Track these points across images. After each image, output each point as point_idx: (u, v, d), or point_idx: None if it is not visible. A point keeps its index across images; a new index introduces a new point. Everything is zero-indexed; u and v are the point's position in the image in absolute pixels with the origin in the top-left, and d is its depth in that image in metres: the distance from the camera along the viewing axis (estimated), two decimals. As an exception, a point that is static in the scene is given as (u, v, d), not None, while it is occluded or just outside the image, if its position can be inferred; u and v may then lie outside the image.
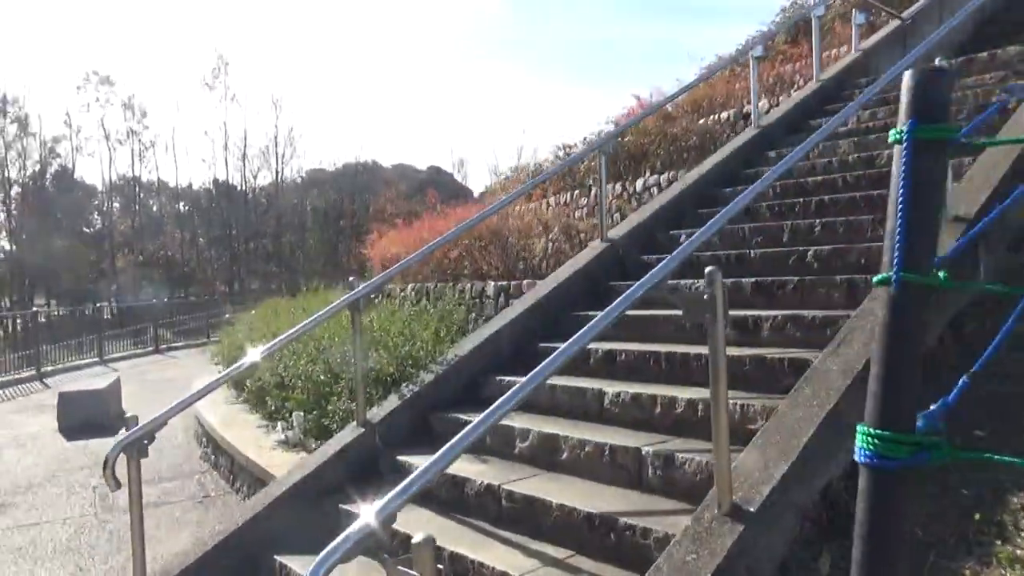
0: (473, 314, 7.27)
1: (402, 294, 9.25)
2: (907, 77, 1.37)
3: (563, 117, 63.35)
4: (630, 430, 3.77)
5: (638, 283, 2.89)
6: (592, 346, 4.63)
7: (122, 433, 3.62)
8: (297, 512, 4.11)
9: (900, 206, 1.30)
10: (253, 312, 14.96)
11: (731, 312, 4.30)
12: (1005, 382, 3.33)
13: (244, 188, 45.80)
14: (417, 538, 1.91)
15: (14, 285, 36.60)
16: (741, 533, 2.52)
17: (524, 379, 2.48)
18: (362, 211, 48.04)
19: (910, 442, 1.27)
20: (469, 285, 7.63)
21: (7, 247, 38.03)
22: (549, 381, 4.39)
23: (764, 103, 9.47)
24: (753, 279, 4.61)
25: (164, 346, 21.37)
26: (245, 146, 45.60)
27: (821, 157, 6.25)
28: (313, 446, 5.80)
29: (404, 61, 72.92)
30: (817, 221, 5.01)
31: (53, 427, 9.78)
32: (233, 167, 46.71)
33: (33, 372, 16.15)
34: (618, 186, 9.17)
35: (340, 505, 4.02)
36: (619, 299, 2.81)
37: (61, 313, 31.28)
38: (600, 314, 2.77)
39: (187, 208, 45.69)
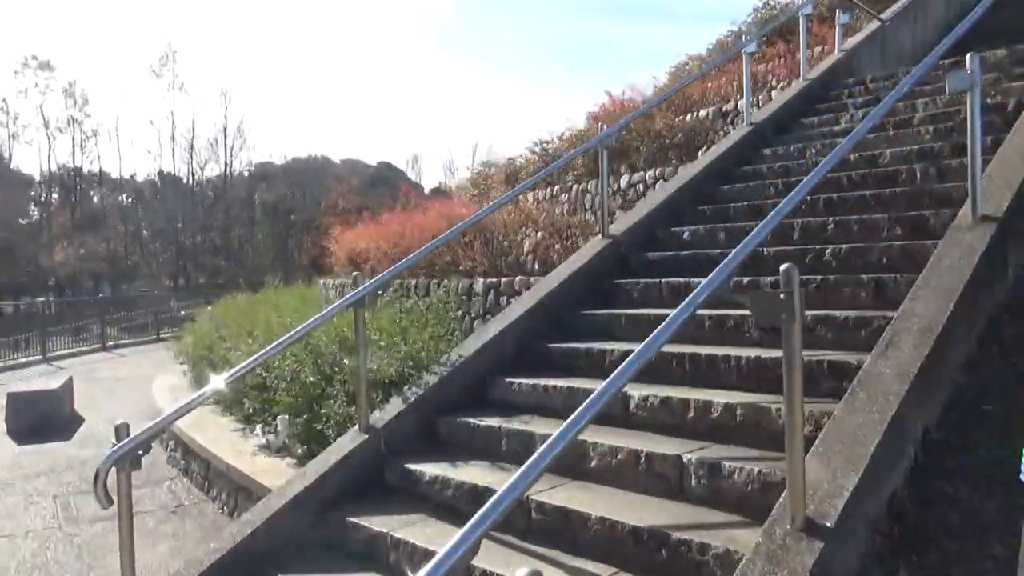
0: (460, 311, 7.03)
1: (380, 290, 8.92)
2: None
3: (520, 115, 63.17)
4: (661, 436, 3.59)
5: (705, 282, 2.70)
6: (606, 347, 4.45)
7: (107, 445, 3.25)
8: (300, 526, 3.81)
9: None
10: (210, 308, 14.40)
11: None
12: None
13: (191, 181, 44.49)
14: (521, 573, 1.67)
15: (-56, 278, 34.74)
16: (821, 551, 2.35)
17: (599, 387, 2.26)
18: (313, 206, 47.14)
19: None
20: (456, 282, 7.37)
21: (-64, 238, 36.09)
22: (567, 383, 4.23)
23: (743, 102, 9.45)
24: (771, 278, 4.46)
25: (111, 343, 20.45)
26: (193, 137, 44.36)
27: (821, 156, 6.16)
28: (299, 451, 5.50)
29: (355, 56, 71.90)
30: (830, 219, 4.91)
31: (0, 430, 9.17)
32: (180, 159, 45.36)
33: (-30, 371, 15.26)
34: (590, 184, 9.00)
35: (348, 518, 3.74)
36: (689, 297, 2.62)
37: (-3, 308, 29.76)
38: (672, 313, 2.56)
39: (131, 200, 44.11)
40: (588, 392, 4.02)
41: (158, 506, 6.01)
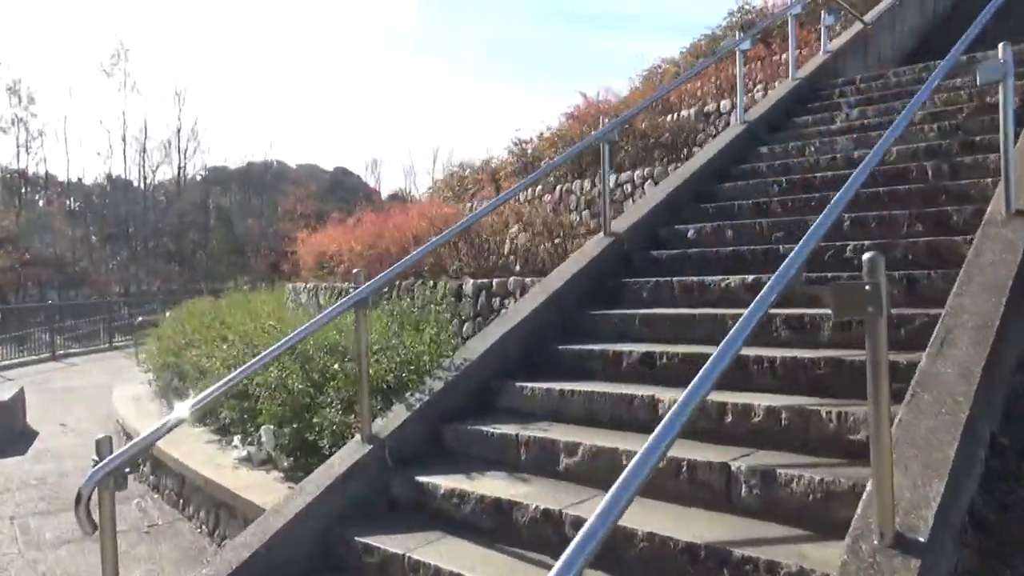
0: (448, 313, 6.72)
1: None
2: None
3: (480, 120, 62.87)
4: (696, 442, 3.34)
5: (774, 278, 2.49)
6: (622, 348, 4.21)
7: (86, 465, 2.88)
8: (303, 547, 3.48)
9: None
10: (169, 314, 13.80)
11: (783, 310, 4.00)
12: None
13: (143, 184, 43.16)
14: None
15: None
16: (919, 569, 2.13)
17: (681, 399, 2.00)
18: (270, 211, 46.18)
19: None
20: (443, 283, 7.06)
21: None
22: (585, 387, 3.97)
23: (726, 103, 9.36)
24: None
25: (61, 352, 19.52)
26: (145, 138, 42.72)
27: (821, 154, 6.05)
28: (285, 463, 5.14)
29: (312, 60, 70.84)
30: (845, 216, 4.74)
31: (-56, 446, 8.53)
32: (131, 161, 43.70)
33: (-92, 382, 14.31)
34: (587, 183, 8.80)
35: (356, 538, 3.41)
36: (762, 293, 2.40)
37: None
38: (747, 311, 2.33)
39: (79, 204, 42.58)
40: (607, 397, 3.82)
41: (129, 526, 5.55)
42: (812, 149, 6.21)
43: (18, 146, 40.06)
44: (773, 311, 3.97)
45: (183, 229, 43.70)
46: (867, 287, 2.23)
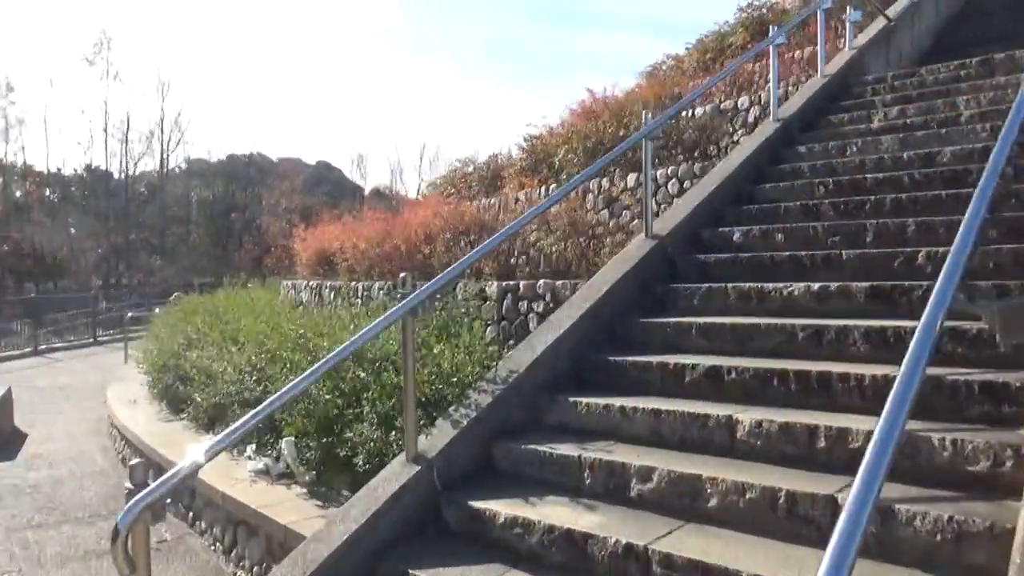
0: (469, 317, 6.40)
1: (366, 293, 8.23)
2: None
3: (466, 117, 62.25)
4: (785, 468, 3.08)
5: (934, 296, 2.18)
6: (684, 360, 3.93)
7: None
8: (352, 581, 3.16)
9: None
10: (158, 311, 13.38)
11: (859, 321, 3.73)
12: None
13: (125, 175, 42.29)
14: None
15: None
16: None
17: (878, 433, 1.71)
18: (254, 204, 45.47)
19: None
20: (462, 284, 6.74)
21: None
22: (648, 404, 3.68)
23: (744, 99, 9.11)
24: (868, 284, 4.02)
25: (43, 347, 18.95)
26: (127, 129, 42.14)
27: (865, 154, 5.80)
28: (306, 478, 4.81)
29: (294, 53, 69.94)
30: (910, 220, 4.50)
31: (-72, 450, 8.10)
32: (112, 152, 42.89)
33: None
34: (604, 181, 8.50)
35: (412, 570, 3.10)
36: (929, 309, 2.09)
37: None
38: (922, 321, 2.04)
39: (58, 194, 41.64)
40: (676, 415, 3.53)
41: (135, 542, 5.19)
42: (855, 149, 5.95)
43: (-4, 134, 39.06)
44: (850, 322, 3.74)
45: (165, 222, 42.92)
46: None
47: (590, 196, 8.65)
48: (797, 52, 9.68)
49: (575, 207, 8.63)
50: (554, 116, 14.11)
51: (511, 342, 6.26)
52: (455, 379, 4.25)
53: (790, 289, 4.27)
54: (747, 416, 3.30)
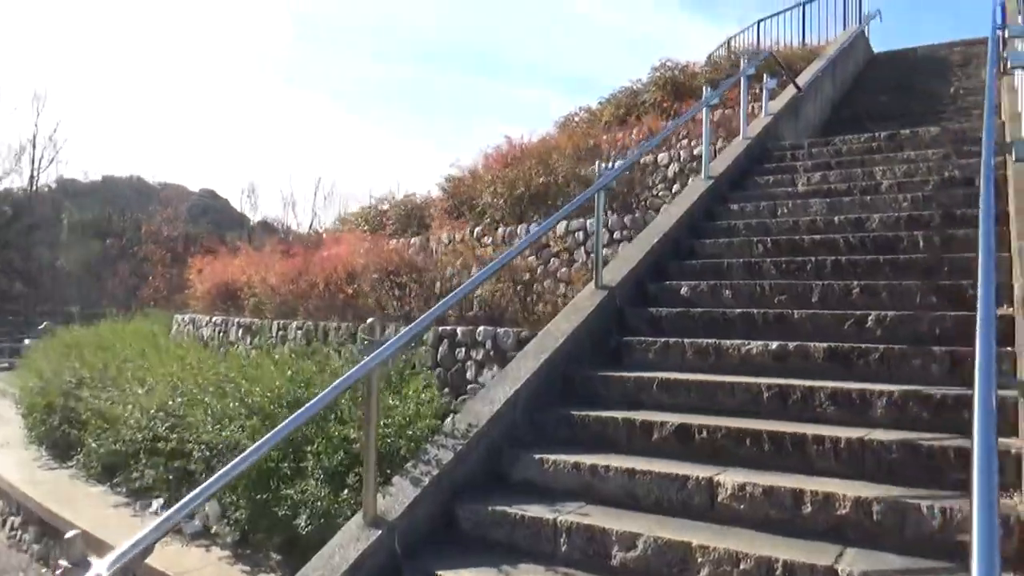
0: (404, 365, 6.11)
1: (280, 333, 7.76)
2: None
3: (362, 155, 61.35)
4: (772, 535, 3.01)
5: (979, 372, 2.16)
6: (651, 417, 3.84)
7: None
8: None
9: None
10: (28, 342, 12.18)
11: (822, 383, 3.77)
12: None
13: (-16, 192, 38.87)
14: None
15: None
16: None
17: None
18: (131, 231, 42.84)
19: None
20: (393, 327, 6.44)
21: None
22: (619, 463, 3.56)
23: (663, 155, 9.39)
24: (825, 345, 4.09)
25: None
26: (-8, 142, 38.63)
27: (798, 215, 6.02)
28: (229, 539, 4.36)
29: (182, 77, 67.29)
30: (854, 283, 4.65)
31: None
32: (-28, 166, 39.33)
33: None
34: (533, 227, 8.45)
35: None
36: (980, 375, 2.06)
37: None
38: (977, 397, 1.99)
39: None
40: (652, 476, 3.42)
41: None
42: (785, 210, 6.17)
43: None
44: (814, 383, 3.78)
45: (31, 245, 39.65)
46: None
47: (516, 241, 8.58)
48: (714, 114, 10.12)
49: (500, 251, 8.54)
50: (467, 159, 14.04)
51: (446, 390, 6.03)
52: (409, 432, 3.97)
53: (748, 347, 4.29)
54: (728, 478, 3.23)
